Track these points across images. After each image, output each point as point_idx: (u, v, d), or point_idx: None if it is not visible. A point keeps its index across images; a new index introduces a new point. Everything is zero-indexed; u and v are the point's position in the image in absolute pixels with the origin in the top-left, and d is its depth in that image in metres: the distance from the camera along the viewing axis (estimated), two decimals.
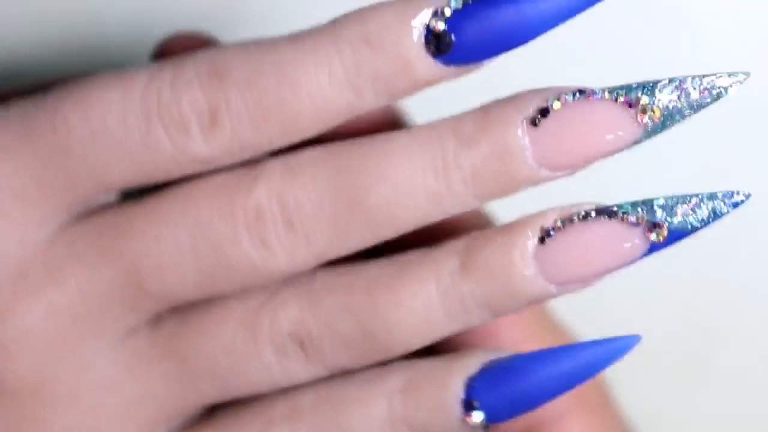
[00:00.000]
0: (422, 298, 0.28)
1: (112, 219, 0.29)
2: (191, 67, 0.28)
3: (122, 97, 0.28)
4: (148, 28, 0.45)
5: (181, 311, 0.30)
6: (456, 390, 0.29)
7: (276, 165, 0.28)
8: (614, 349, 0.28)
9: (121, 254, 0.29)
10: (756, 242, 0.50)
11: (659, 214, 0.28)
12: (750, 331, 0.51)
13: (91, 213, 0.29)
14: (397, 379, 0.29)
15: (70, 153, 0.28)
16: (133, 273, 0.29)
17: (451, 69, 0.28)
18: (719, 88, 0.27)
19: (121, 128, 0.28)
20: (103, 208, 0.29)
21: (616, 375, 0.53)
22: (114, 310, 0.29)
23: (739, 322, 0.52)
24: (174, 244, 0.28)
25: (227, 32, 0.46)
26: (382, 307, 0.28)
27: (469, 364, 0.29)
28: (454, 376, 0.29)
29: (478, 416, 0.29)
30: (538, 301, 0.28)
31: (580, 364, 0.28)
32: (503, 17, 0.27)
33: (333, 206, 0.28)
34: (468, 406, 0.29)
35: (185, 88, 0.28)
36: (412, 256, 0.29)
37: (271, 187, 0.28)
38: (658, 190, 0.49)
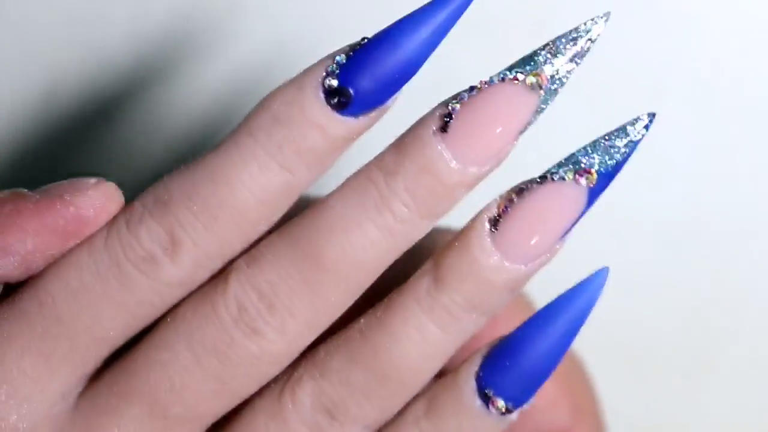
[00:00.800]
0: (412, 323, 0.30)
1: (120, 365, 0.31)
2: (138, 205, 0.30)
3: (89, 252, 0.30)
4: (148, 27, 0.47)
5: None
6: (468, 387, 0.30)
7: (240, 260, 0.31)
8: (593, 288, 0.30)
9: (137, 392, 0.30)
10: (756, 242, 0.51)
11: (584, 161, 0.29)
12: (750, 331, 0.52)
13: (101, 368, 0.31)
14: (418, 405, 0.31)
15: (61, 320, 0.30)
16: (155, 405, 0.30)
17: (362, 119, 0.30)
18: (585, 33, 0.29)
19: (97, 280, 0.30)
20: (111, 360, 0.31)
21: (616, 375, 0.53)
22: None
23: (740, 322, 0.52)
24: (179, 364, 0.30)
25: (228, 32, 0.48)
26: (380, 345, 0.30)
27: (472, 361, 0.31)
28: (462, 375, 0.31)
29: (499, 402, 0.30)
30: (515, 286, 0.30)
31: (569, 314, 0.30)
32: (386, 57, 0.30)
33: (300, 273, 0.30)
34: (486, 398, 0.30)
35: (139, 224, 0.30)
36: (392, 293, 0.31)
37: (242, 279, 0.30)
38: (662, 190, 0.50)
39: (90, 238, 0.31)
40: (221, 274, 0.31)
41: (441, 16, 0.29)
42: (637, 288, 0.52)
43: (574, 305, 0.30)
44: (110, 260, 0.30)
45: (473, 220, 0.30)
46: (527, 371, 0.30)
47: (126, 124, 0.50)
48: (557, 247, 0.30)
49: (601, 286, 0.30)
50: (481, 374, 0.31)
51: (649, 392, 0.52)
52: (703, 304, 0.51)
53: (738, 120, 0.49)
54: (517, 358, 0.30)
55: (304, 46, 0.46)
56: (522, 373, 0.30)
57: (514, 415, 0.31)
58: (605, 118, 0.47)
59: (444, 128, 0.29)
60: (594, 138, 0.30)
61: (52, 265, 0.31)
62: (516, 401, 0.31)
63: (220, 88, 0.48)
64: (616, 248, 0.52)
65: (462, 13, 0.30)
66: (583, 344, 0.50)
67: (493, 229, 0.30)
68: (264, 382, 0.31)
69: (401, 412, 0.31)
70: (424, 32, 0.29)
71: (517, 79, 0.29)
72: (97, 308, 0.30)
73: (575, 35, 0.29)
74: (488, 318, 0.30)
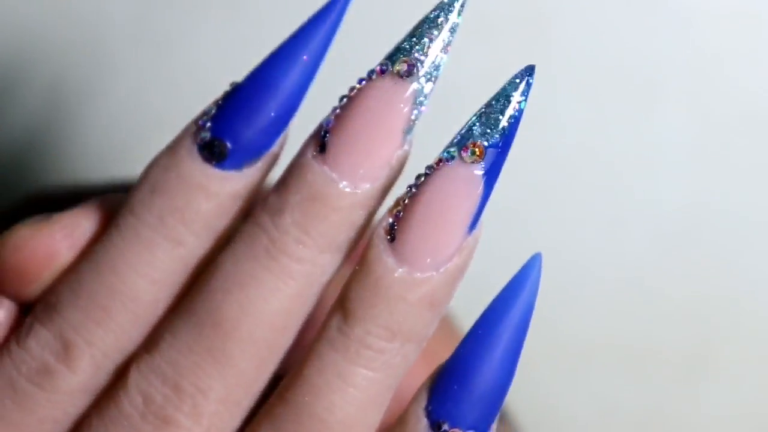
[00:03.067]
0: (329, 370, 0.26)
1: None
2: (29, 318, 0.28)
3: None
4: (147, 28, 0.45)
5: None
6: (417, 424, 0.27)
7: (140, 348, 0.27)
8: (531, 279, 0.26)
9: None
10: (756, 242, 0.49)
11: (467, 136, 0.26)
12: (750, 331, 0.50)
13: None
14: None
15: None
16: None
17: (247, 171, 0.27)
18: (446, 13, 0.26)
19: None
20: None
21: (616, 375, 0.49)
22: None
23: (740, 322, 0.50)
24: None
25: (228, 32, 0.46)
26: (300, 404, 0.26)
27: (418, 396, 0.27)
28: (410, 415, 0.27)
29: None
30: (433, 299, 0.26)
31: (511, 314, 0.26)
32: (258, 97, 0.27)
33: (202, 344, 0.26)
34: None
35: (28, 335, 0.27)
36: (310, 347, 0.27)
37: (141, 367, 0.27)
38: (662, 190, 0.48)
39: None
40: (123, 370, 0.27)
41: (310, 45, 0.27)
42: (637, 288, 0.50)
43: (514, 305, 0.26)
44: (3, 381, 0.27)
45: (370, 237, 0.26)
46: (481, 390, 0.26)
47: (126, 124, 0.50)
48: (468, 243, 0.26)
49: (538, 275, 0.26)
50: (431, 408, 0.26)
51: (649, 392, 0.50)
52: (703, 304, 0.50)
53: (738, 120, 0.48)
54: (467, 378, 0.26)
55: None
56: (475, 394, 0.26)
57: None
58: (605, 117, 0.47)
59: (322, 148, 0.26)
60: (475, 111, 0.26)
61: None
62: (477, 427, 0.26)
63: (221, 88, 0.48)
64: (615, 248, 0.50)
65: (333, 37, 0.27)
66: (583, 344, 0.50)
67: (390, 239, 0.26)
68: None
69: None
70: (295, 66, 0.27)
71: (384, 71, 0.26)
72: None
73: (437, 13, 0.26)
74: (419, 346, 0.26)
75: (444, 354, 0.27)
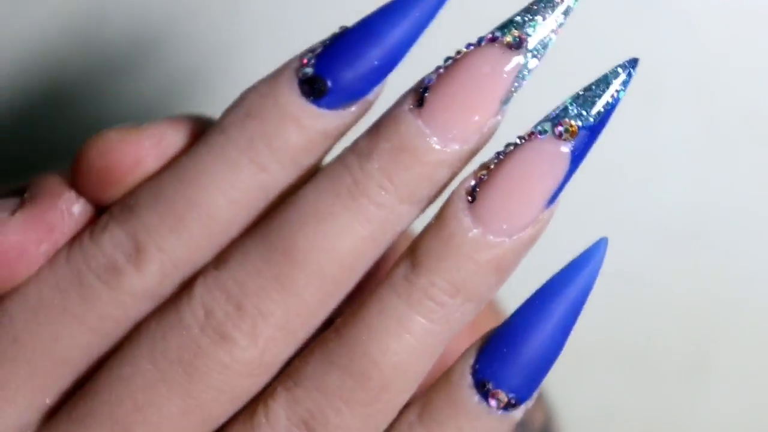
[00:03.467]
0: (390, 314, 0.27)
1: (81, 390, 0.28)
2: (105, 215, 0.28)
3: (50, 267, 0.28)
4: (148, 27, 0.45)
5: None
6: (463, 383, 0.27)
7: (209, 263, 0.28)
8: (593, 261, 0.27)
9: (97, 415, 0.27)
10: (756, 242, 0.50)
11: (562, 115, 0.27)
12: (749, 331, 0.50)
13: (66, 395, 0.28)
14: (410, 410, 0.28)
15: (18, 340, 0.28)
16: (116, 427, 0.27)
17: (341, 113, 0.28)
18: None
19: (57, 295, 0.28)
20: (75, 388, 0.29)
21: (616, 375, 0.49)
22: None
23: (740, 322, 0.50)
24: (140, 378, 0.27)
25: (229, 32, 0.46)
26: (356, 341, 0.27)
27: (467, 354, 0.28)
28: (456, 370, 0.27)
29: (500, 395, 0.26)
30: (501, 264, 0.27)
31: (569, 291, 0.27)
32: (364, 45, 0.28)
33: (270, 269, 0.27)
34: (485, 392, 0.26)
35: (102, 232, 0.28)
36: (369, 290, 0.28)
37: (208, 281, 0.27)
38: (661, 190, 0.48)
39: (55, 253, 0.28)
40: (189, 281, 0.28)
41: (421, 6, 0.28)
42: (637, 288, 0.50)
43: (574, 282, 0.27)
44: (71, 273, 0.28)
45: (450, 195, 0.27)
46: (529, 357, 0.27)
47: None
48: (543, 216, 0.27)
49: (602, 258, 0.27)
50: (477, 366, 0.27)
51: (649, 392, 0.50)
52: (703, 304, 0.50)
53: (738, 120, 0.48)
54: (517, 343, 0.27)
55: (307, 45, 0.46)
56: (523, 360, 0.27)
57: (518, 412, 0.27)
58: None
59: (420, 103, 0.27)
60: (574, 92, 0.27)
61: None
62: (519, 393, 0.27)
63: (221, 89, 0.48)
64: (615, 248, 0.50)
65: (443, 5, 0.28)
66: (583, 344, 0.49)
67: (470, 200, 0.27)
68: (238, 400, 0.28)
69: (393, 422, 0.27)
70: (405, 21, 0.28)
71: (494, 39, 0.27)
72: (56, 327, 0.28)
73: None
74: (478, 307, 0.27)
75: (486, 328, 0.28)
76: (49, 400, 0.28)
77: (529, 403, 0.27)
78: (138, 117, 0.50)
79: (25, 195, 0.29)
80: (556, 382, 0.51)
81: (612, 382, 0.48)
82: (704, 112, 0.48)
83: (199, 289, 0.27)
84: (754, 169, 0.49)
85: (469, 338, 0.29)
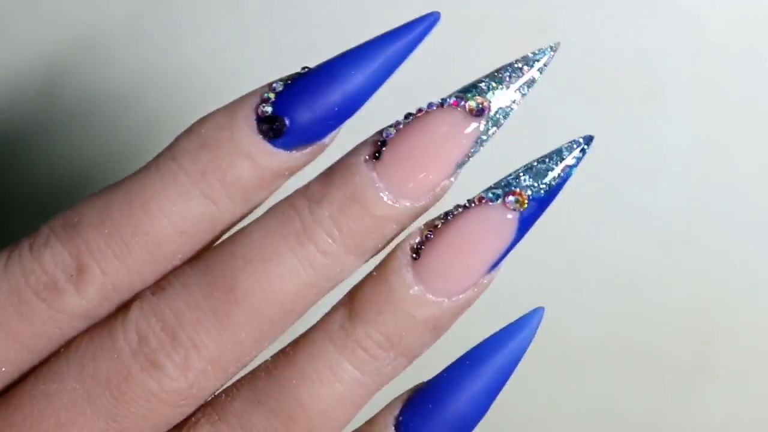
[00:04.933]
0: (323, 361, 0.27)
1: (2, 399, 0.28)
2: (45, 228, 0.28)
3: None
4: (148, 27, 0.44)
5: None
6: (385, 430, 0.27)
7: (147, 289, 0.28)
8: (528, 329, 0.28)
9: (17, 428, 0.27)
10: (756, 242, 0.50)
11: (514, 184, 0.27)
12: (750, 331, 0.50)
13: None
14: None
15: None
16: None
17: (295, 154, 0.28)
18: (532, 63, 0.28)
19: None
20: None
21: (616, 375, 0.50)
22: None
23: (740, 322, 0.50)
24: (67, 397, 0.27)
25: (229, 33, 0.45)
26: (286, 384, 0.27)
27: (390, 406, 0.28)
28: (379, 422, 0.28)
29: None
30: (437, 324, 0.27)
31: (501, 355, 0.27)
32: (327, 89, 0.28)
33: (209, 303, 0.27)
34: None
35: (43, 247, 0.27)
36: (304, 332, 0.28)
37: (145, 307, 0.27)
38: (661, 190, 0.48)
39: None
40: (121, 306, 0.28)
41: (389, 51, 0.28)
42: (637, 288, 0.50)
43: (505, 348, 0.27)
44: (9, 287, 0.27)
45: (394, 249, 0.27)
46: (452, 417, 0.27)
47: (126, 124, 0.50)
48: (484, 281, 0.27)
49: (536, 327, 0.28)
50: (401, 418, 0.27)
51: (649, 396, 0.51)
52: (703, 305, 0.50)
53: (737, 119, 0.49)
54: (442, 402, 0.27)
55: (306, 46, 0.45)
56: (446, 418, 0.27)
57: None
58: (605, 118, 0.47)
59: (376, 156, 0.27)
60: (527, 162, 0.27)
61: None
62: None
63: (221, 88, 0.48)
64: (615, 248, 0.50)
65: (414, 48, 0.28)
66: (583, 344, 0.50)
67: (415, 258, 0.27)
68: (160, 428, 0.27)
69: None
70: (370, 68, 0.28)
71: (457, 104, 0.27)
72: None
73: (521, 65, 0.28)
74: (408, 362, 0.27)
75: None
76: None
77: None
78: (139, 117, 0.49)
79: None
80: (557, 382, 0.51)
81: (612, 382, 0.47)
82: (705, 112, 0.48)
83: (135, 314, 0.27)
84: (754, 169, 0.49)
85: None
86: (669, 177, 0.49)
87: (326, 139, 0.28)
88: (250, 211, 0.29)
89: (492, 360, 0.27)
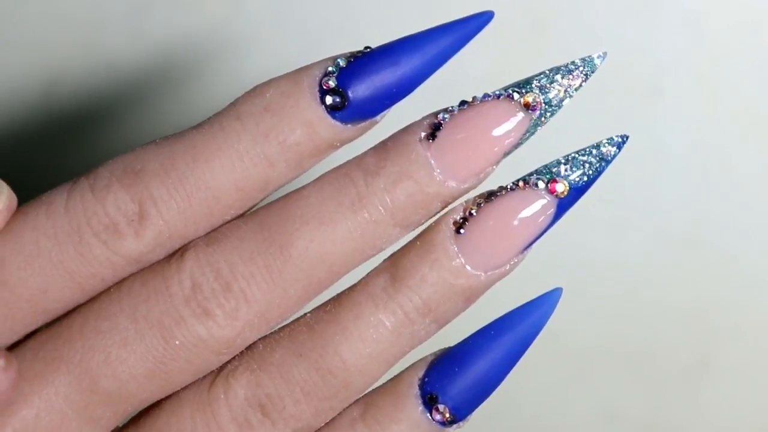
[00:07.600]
0: (366, 320, 0.29)
1: (50, 330, 0.29)
2: (104, 171, 0.29)
3: (47, 214, 0.28)
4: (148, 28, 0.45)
5: (136, 422, 0.29)
6: (410, 392, 0.29)
7: (200, 239, 0.29)
8: (547, 306, 0.30)
9: (67, 360, 0.28)
10: (756, 242, 0.50)
11: (557, 173, 0.29)
12: (750, 331, 0.51)
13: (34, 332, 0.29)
14: (354, 407, 0.30)
15: (7, 285, 0.28)
16: (84, 375, 0.28)
17: (350, 127, 0.30)
18: (583, 66, 0.30)
19: (55, 248, 0.28)
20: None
21: (616, 375, 0.51)
22: (72, 425, 0.28)
23: (740, 322, 0.51)
24: (117, 335, 0.28)
25: (229, 33, 0.46)
26: (330, 340, 0.29)
27: (416, 366, 0.30)
28: (405, 380, 0.30)
29: (444, 409, 0.29)
30: (471, 294, 0.29)
31: (521, 328, 0.29)
32: (387, 70, 0.29)
33: (264, 258, 0.29)
34: (431, 403, 0.29)
35: (106, 190, 0.28)
36: (345, 290, 0.30)
37: (200, 256, 0.29)
38: (662, 190, 0.49)
39: (49, 196, 0.29)
40: (176, 252, 0.29)
41: (445, 41, 0.29)
42: (637, 288, 0.51)
43: (527, 321, 0.29)
44: (70, 226, 0.28)
45: (437, 222, 0.29)
46: (475, 380, 0.29)
47: (126, 124, 0.50)
48: (517, 260, 0.29)
49: (555, 305, 0.30)
50: (426, 379, 0.29)
51: (649, 392, 0.51)
52: (703, 305, 0.50)
53: (739, 118, 0.49)
54: (467, 365, 0.29)
55: (305, 46, 0.46)
56: (470, 381, 0.29)
57: (451, 430, 0.29)
58: (605, 118, 0.48)
59: (432, 137, 0.29)
60: (568, 152, 0.29)
61: (7, 225, 0.29)
62: (459, 412, 0.29)
63: (221, 88, 0.49)
64: (616, 248, 0.51)
65: (468, 42, 0.30)
66: (583, 344, 0.51)
67: (458, 232, 0.29)
68: (201, 372, 0.29)
69: (336, 417, 0.30)
70: (428, 55, 0.29)
71: (513, 98, 0.29)
72: (47, 277, 0.28)
73: (573, 68, 0.30)
74: (439, 329, 0.29)
75: None
76: (16, 338, 0.29)
77: (462, 424, 0.30)
78: (138, 117, 0.49)
79: None
80: (557, 382, 0.52)
81: (612, 382, 0.48)
82: (706, 111, 0.48)
83: (190, 262, 0.29)
84: (755, 167, 0.49)
85: None
86: (670, 175, 0.49)
87: (378, 117, 0.30)
88: (297, 177, 0.30)
89: (515, 330, 0.29)
